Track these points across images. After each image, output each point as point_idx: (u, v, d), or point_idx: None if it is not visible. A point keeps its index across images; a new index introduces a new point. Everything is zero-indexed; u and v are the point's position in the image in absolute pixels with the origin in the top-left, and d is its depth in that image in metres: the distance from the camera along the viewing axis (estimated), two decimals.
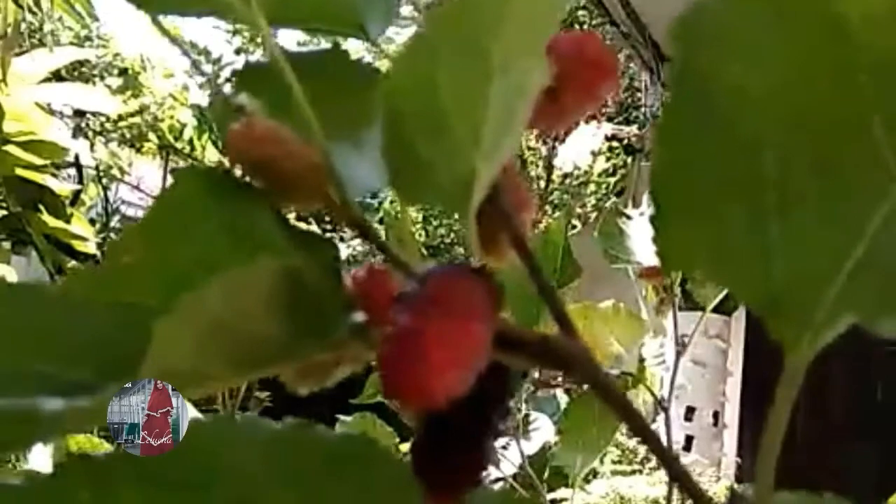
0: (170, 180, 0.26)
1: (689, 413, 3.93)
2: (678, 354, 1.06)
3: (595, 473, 3.31)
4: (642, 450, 3.76)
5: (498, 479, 1.15)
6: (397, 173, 0.25)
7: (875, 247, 0.24)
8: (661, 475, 3.45)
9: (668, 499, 0.92)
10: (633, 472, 3.68)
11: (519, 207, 0.29)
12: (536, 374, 1.06)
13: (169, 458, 0.26)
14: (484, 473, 0.28)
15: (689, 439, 3.89)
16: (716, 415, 4.00)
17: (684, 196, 0.25)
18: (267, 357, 0.23)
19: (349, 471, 0.28)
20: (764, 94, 0.24)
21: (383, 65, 0.32)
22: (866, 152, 0.25)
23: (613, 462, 3.73)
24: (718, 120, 0.25)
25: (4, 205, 2.63)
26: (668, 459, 0.28)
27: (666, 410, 0.93)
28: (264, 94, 0.31)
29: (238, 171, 0.26)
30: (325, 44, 0.37)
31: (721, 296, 0.94)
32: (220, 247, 0.25)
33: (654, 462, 3.71)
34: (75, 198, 3.36)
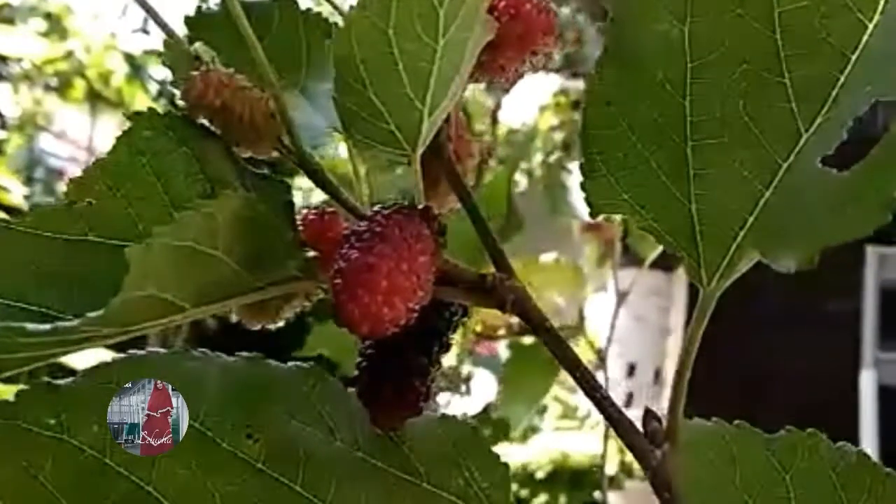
0: (107, 127, 0.27)
1: (631, 369, 4.02)
2: (618, 306, 1.10)
3: (535, 429, 3.39)
4: (584, 407, 3.85)
5: None
6: (350, 119, 0.26)
7: (780, 193, 0.27)
8: (601, 431, 3.55)
9: (605, 438, 0.96)
10: (574, 428, 3.77)
11: (461, 155, 0.31)
12: (479, 328, 1.08)
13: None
14: (424, 402, 0.30)
15: (629, 395, 3.97)
16: (657, 371, 4.09)
17: (611, 142, 0.27)
18: (227, 289, 0.25)
19: (299, 399, 0.30)
20: (687, 40, 0.26)
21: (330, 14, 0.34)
22: (779, 104, 0.27)
23: (557, 419, 3.82)
24: (645, 67, 0.27)
25: None
26: (594, 394, 0.30)
27: (604, 361, 0.97)
28: (216, 40, 0.32)
29: (195, 115, 0.28)
30: None
31: (660, 249, 0.98)
32: (180, 185, 0.27)
33: (593, 419, 3.81)
34: None
